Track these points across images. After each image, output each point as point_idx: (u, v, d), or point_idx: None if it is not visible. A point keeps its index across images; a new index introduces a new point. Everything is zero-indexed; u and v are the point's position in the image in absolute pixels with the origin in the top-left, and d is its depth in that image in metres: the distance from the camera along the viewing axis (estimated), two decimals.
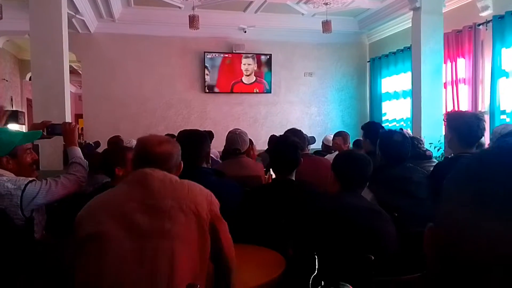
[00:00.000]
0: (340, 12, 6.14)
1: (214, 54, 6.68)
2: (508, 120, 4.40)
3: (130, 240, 1.28)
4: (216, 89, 6.77)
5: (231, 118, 6.65)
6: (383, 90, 6.75)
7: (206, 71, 6.67)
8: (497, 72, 4.44)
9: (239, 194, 2.16)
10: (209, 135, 2.49)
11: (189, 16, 5.36)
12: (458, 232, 0.49)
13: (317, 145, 5.10)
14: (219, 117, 6.70)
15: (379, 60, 6.79)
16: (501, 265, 0.44)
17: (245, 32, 6.51)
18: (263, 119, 6.96)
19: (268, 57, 6.84)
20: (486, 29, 4.65)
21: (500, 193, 0.46)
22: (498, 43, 4.43)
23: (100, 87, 6.28)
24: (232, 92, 6.80)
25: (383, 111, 6.75)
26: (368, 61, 7.22)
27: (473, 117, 2.25)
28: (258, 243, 1.93)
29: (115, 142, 4.27)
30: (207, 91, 6.74)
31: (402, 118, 6.22)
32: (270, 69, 6.87)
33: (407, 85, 5.89)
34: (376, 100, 6.94)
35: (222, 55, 6.71)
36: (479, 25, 4.74)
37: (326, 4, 5.67)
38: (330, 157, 3.98)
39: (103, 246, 1.27)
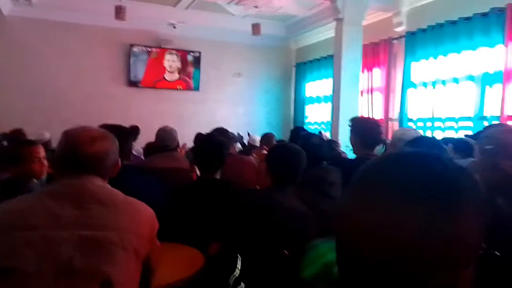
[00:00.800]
0: (270, 16, 6.30)
1: (141, 47, 6.46)
2: (414, 126, 4.86)
3: (54, 279, 1.00)
4: (140, 84, 6.55)
5: (157, 115, 6.46)
6: (307, 94, 7.06)
7: (132, 65, 6.42)
8: (406, 83, 4.90)
9: (160, 192, 2.13)
10: (133, 131, 2.43)
11: (115, 6, 5.13)
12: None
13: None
14: (144, 113, 6.47)
15: (305, 65, 7.10)
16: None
17: (175, 27, 6.39)
18: (190, 117, 6.88)
19: (197, 54, 6.79)
20: (399, 43, 5.09)
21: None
22: (409, 57, 4.88)
23: (12, 75, 5.73)
24: (154, 87, 6.63)
25: (306, 114, 7.07)
26: (294, 66, 7.51)
27: (374, 123, 2.57)
28: (180, 241, 1.91)
29: (15, 136, 3.88)
30: (132, 85, 6.50)
31: (323, 121, 6.55)
32: (199, 67, 6.82)
33: (329, 91, 6.22)
34: (300, 104, 7.23)
35: (149, 49, 6.51)
36: (393, 39, 5.17)
37: (256, 7, 5.78)
38: (254, 156, 4.09)
39: (15, 285, 0.99)
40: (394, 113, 5.20)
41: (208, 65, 6.90)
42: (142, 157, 3.59)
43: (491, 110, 3.98)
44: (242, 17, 6.28)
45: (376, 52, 5.37)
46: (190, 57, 6.78)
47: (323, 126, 6.51)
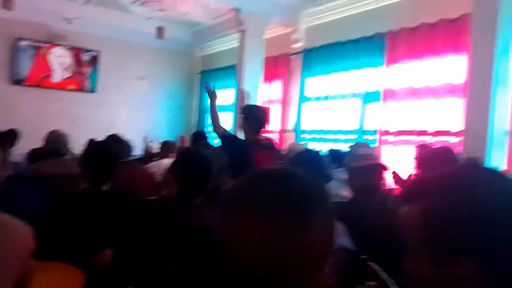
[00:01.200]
0: (176, 21, 6.22)
1: (30, 42, 5.88)
2: (308, 137, 5.19)
3: None
4: (25, 83, 5.94)
5: (45, 117, 5.90)
6: None
7: (16, 61, 5.80)
8: (301, 97, 5.23)
9: (45, 202, 1.95)
10: (8, 136, 2.19)
11: None
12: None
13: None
14: (30, 114, 5.87)
15: (209, 73, 7.13)
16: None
17: (70, 23, 5.94)
18: (85, 121, 6.42)
19: (96, 53, 6.40)
20: (297, 58, 5.42)
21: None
22: (305, 72, 5.22)
23: None
24: (39, 86, 6.08)
25: (208, 123, 7.10)
26: (199, 73, 7.51)
27: (263, 111, 3.04)
28: (63, 257, 1.77)
29: None
30: (16, 83, 5.86)
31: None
32: (97, 67, 6.43)
33: (232, 100, 6.35)
34: (203, 112, 7.24)
35: (39, 44, 5.95)
36: (292, 54, 5.49)
37: (162, 10, 5.67)
38: (152, 165, 3.97)
39: None
40: (290, 124, 5.50)
41: (108, 66, 6.55)
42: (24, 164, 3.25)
43: (371, 125, 4.46)
44: (146, 18, 6.10)
45: (276, 66, 5.64)
46: (86, 56, 6.35)
47: None
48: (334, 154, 3.20)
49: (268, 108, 3.84)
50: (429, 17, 3.87)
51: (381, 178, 2.03)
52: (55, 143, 2.78)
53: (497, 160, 3.05)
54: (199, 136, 3.90)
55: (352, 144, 2.49)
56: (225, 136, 3.04)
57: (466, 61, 3.30)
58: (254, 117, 2.94)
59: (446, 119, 3.75)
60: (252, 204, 0.57)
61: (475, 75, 3.12)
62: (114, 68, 6.65)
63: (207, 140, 4.24)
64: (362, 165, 1.95)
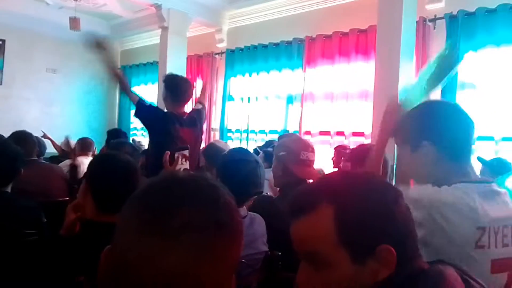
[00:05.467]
0: (92, 13, 5.89)
1: None
2: (233, 136, 5.25)
3: None
4: None
5: None
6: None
7: None
8: (225, 96, 5.27)
9: None
10: None
11: None
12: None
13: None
14: None
15: (130, 69, 6.87)
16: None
17: None
18: None
19: (0, 42, 5.81)
20: (221, 58, 5.45)
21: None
22: (228, 72, 5.27)
23: None
24: None
25: (131, 120, 6.83)
26: (119, 68, 7.16)
27: (184, 80, 2.85)
28: None
29: None
30: None
31: (143, 128, 6.43)
32: (2, 57, 5.85)
33: (155, 96, 6.18)
34: (125, 108, 6.96)
35: None
36: (215, 54, 5.50)
37: (76, 0, 5.33)
38: (67, 163, 3.73)
39: None
40: (217, 123, 5.51)
41: (14, 57, 5.98)
42: None
43: (293, 125, 4.65)
44: (58, 8, 5.68)
45: (200, 64, 5.61)
46: None
47: (142, 132, 6.40)
48: (267, 155, 3.14)
49: (191, 80, 3.57)
50: (343, 26, 4.14)
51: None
52: None
53: None
54: (115, 136, 3.64)
55: (293, 138, 2.27)
56: (142, 105, 2.71)
57: (374, 68, 3.57)
58: (175, 87, 2.74)
59: (360, 121, 4.04)
60: (187, 234, 0.52)
61: (380, 81, 3.40)
62: (22, 60, 6.09)
63: (125, 138, 4.03)
64: (306, 178, 1.84)
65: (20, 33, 5.98)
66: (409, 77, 3.40)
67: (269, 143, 3.60)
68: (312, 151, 1.94)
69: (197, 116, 2.93)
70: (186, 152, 1.87)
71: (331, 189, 0.70)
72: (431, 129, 1.05)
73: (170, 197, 0.53)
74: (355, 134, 4.11)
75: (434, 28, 3.66)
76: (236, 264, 0.57)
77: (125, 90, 2.86)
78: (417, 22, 3.49)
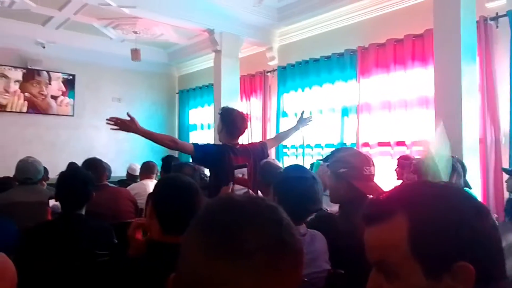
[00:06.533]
0: (150, 43, 6.26)
1: (3, 67, 5.81)
2: (288, 153, 5.25)
3: None
4: (6, 108, 5.87)
5: (22, 142, 5.82)
6: (191, 121, 7.12)
7: None
8: (279, 113, 5.30)
9: (14, 233, 1.92)
10: None
11: None
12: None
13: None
14: (5, 140, 5.77)
15: (188, 93, 7.17)
16: None
17: (44, 47, 5.91)
18: (63, 144, 6.34)
19: (71, 77, 6.36)
20: (273, 76, 5.51)
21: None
22: (281, 88, 5.31)
23: None
24: (27, 112, 6.02)
25: (190, 141, 7.09)
26: (177, 93, 7.53)
27: (241, 116, 2.88)
28: None
29: None
30: None
31: None
32: (73, 90, 6.39)
33: (211, 118, 6.37)
34: (184, 130, 7.24)
35: (14, 69, 5.89)
36: (267, 72, 5.58)
37: (135, 32, 5.70)
38: (134, 187, 3.94)
39: None
40: None
41: (83, 89, 6.50)
42: None
43: (350, 138, 4.54)
44: (120, 41, 6.11)
45: (253, 83, 5.72)
46: (62, 80, 6.31)
47: None
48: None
49: (246, 114, 3.63)
50: (396, 33, 4.02)
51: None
52: (25, 171, 2.71)
53: (472, 169, 3.01)
54: (168, 163, 3.79)
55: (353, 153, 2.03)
56: (197, 148, 2.77)
57: (433, 73, 3.41)
58: (231, 123, 2.81)
59: (421, 130, 3.85)
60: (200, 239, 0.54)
61: (440, 86, 3.23)
62: (90, 91, 6.60)
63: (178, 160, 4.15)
64: (372, 193, 1.74)
65: (88, 67, 6.50)
66: (472, 81, 3.21)
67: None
68: (373, 165, 1.85)
69: (251, 148, 2.96)
70: (245, 171, 1.88)
71: (407, 198, 0.68)
72: None
73: (234, 219, 0.54)
74: (417, 143, 3.93)
75: (497, 26, 3.43)
76: (300, 283, 0.57)
77: (170, 143, 2.90)
78: (477, 22, 3.30)
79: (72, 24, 5.47)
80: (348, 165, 1.82)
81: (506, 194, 3.04)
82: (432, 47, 3.37)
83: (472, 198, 0.69)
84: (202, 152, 2.76)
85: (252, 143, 3.20)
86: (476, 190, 3.19)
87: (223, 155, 2.73)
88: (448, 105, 3.16)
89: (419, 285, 0.63)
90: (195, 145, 2.82)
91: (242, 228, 0.53)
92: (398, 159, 3.48)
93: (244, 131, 2.92)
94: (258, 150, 2.96)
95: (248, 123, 3.55)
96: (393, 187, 0.75)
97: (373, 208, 0.71)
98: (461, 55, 3.09)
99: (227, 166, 2.66)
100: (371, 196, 1.78)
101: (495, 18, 3.42)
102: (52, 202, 2.20)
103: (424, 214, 0.64)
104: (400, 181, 3.17)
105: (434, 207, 0.64)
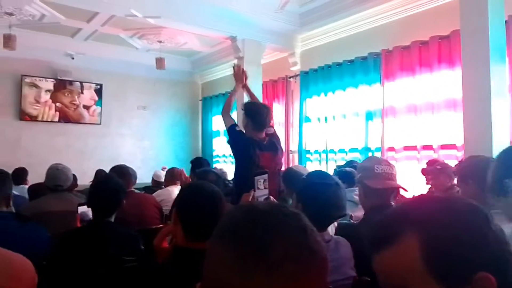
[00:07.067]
0: (174, 51, 6.37)
1: (36, 78, 6.05)
2: (312, 158, 5.21)
3: None
4: (34, 118, 6.10)
5: (52, 150, 6.01)
6: (214, 128, 7.18)
7: (23, 97, 5.97)
8: (302, 118, 5.28)
9: (47, 240, 1.98)
10: (22, 173, 2.22)
11: (4, 35, 4.78)
12: None
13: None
14: (36, 149, 5.98)
15: (211, 100, 7.25)
16: None
17: (73, 58, 6.12)
18: (91, 152, 6.53)
19: (98, 87, 6.55)
20: (295, 81, 5.50)
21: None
22: (303, 93, 5.29)
23: None
24: (50, 121, 6.22)
25: (214, 147, 7.15)
26: (201, 100, 7.62)
27: (265, 107, 2.90)
28: None
29: None
30: (23, 119, 6.01)
31: (231, 154, 6.69)
32: (101, 100, 6.57)
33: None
34: (207, 137, 7.32)
35: (45, 80, 6.12)
36: (290, 77, 5.57)
37: (160, 42, 5.82)
38: (160, 193, 3.99)
39: None
40: (295, 145, 5.53)
41: (110, 98, 6.68)
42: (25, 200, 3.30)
43: (374, 142, 4.47)
44: (145, 50, 6.26)
45: (276, 89, 5.73)
46: (91, 90, 6.51)
47: (230, 159, 6.64)
48: (342, 174, 3.10)
49: (270, 106, 3.66)
50: (421, 35, 3.94)
51: (396, 196, 1.89)
52: (55, 178, 2.76)
53: None
54: (198, 165, 3.81)
55: (367, 158, 2.16)
56: (233, 130, 2.86)
57: (461, 75, 3.32)
58: (256, 114, 2.79)
59: (449, 133, 3.76)
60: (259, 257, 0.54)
61: (469, 88, 3.14)
62: (116, 100, 6.78)
63: (207, 165, 4.17)
64: (384, 187, 1.78)
65: (114, 76, 6.68)
66: (502, 82, 3.10)
67: (349, 163, 3.51)
68: (388, 164, 1.86)
69: (277, 141, 2.97)
70: (266, 177, 1.88)
71: (413, 216, 0.65)
72: None
73: (261, 229, 0.55)
74: (444, 147, 3.83)
75: None
76: None
77: (226, 108, 3.04)
78: (506, 21, 3.20)
79: (100, 35, 5.64)
80: (361, 169, 1.92)
81: None
82: (459, 49, 3.29)
83: (478, 206, 0.66)
84: (236, 137, 2.84)
85: (268, 133, 3.08)
86: None
87: (250, 149, 2.73)
88: (477, 107, 3.07)
89: None
90: (232, 127, 2.89)
91: (270, 238, 0.54)
92: (427, 163, 3.37)
93: (270, 122, 2.91)
94: (277, 137, 3.04)
95: (273, 114, 3.58)
96: (395, 206, 0.73)
97: (379, 231, 0.68)
98: (489, 55, 2.99)
99: (253, 162, 2.67)
100: (390, 191, 1.81)
101: None
102: (80, 209, 2.25)
103: (434, 230, 0.62)
104: (429, 186, 3.10)
105: (443, 221, 0.62)
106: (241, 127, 2.94)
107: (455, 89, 3.58)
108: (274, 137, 3.05)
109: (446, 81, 3.78)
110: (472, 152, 3.00)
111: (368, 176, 1.82)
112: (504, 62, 3.13)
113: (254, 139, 2.80)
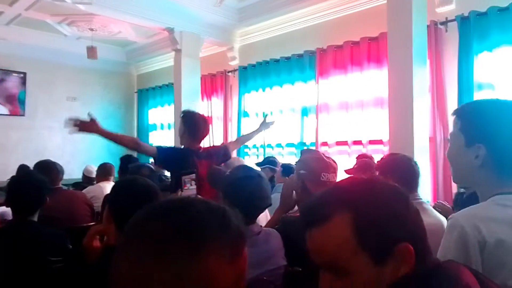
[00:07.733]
0: (107, 41, 6.08)
1: None
2: (250, 152, 5.28)
3: None
4: None
5: None
6: (150, 121, 6.98)
7: None
8: (240, 113, 5.32)
9: None
10: None
11: None
12: None
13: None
14: None
15: (147, 92, 7.02)
16: None
17: None
18: (14, 146, 6.03)
19: (22, 75, 6.05)
20: (234, 76, 5.52)
21: None
22: (242, 88, 5.32)
23: None
24: None
25: (150, 141, 6.94)
26: (136, 92, 7.36)
27: (203, 119, 2.90)
28: None
29: None
30: None
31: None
32: (24, 90, 6.08)
33: (172, 118, 6.28)
34: (143, 130, 7.08)
35: None
36: (229, 72, 5.58)
37: (92, 30, 5.52)
38: (90, 189, 3.81)
39: None
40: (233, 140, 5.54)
41: (35, 88, 6.21)
42: None
43: (309, 137, 4.63)
44: (75, 38, 5.89)
45: (214, 83, 5.70)
46: (13, 78, 5.99)
47: None
48: (285, 168, 3.18)
49: (208, 117, 3.65)
50: (353, 35, 4.15)
51: None
52: None
53: (423, 167, 3.18)
54: (127, 162, 3.69)
55: (313, 155, 2.06)
56: (163, 148, 2.79)
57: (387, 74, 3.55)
58: (193, 126, 2.78)
59: (377, 129, 4.00)
60: (141, 240, 0.55)
61: (394, 87, 3.37)
62: (43, 90, 6.31)
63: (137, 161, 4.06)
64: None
65: (40, 65, 6.21)
66: (423, 82, 3.36)
67: (267, 160, 3.70)
68: (334, 171, 1.88)
69: (214, 151, 2.96)
70: (193, 176, 1.90)
71: (345, 196, 0.72)
72: (491, 133, 1.00)
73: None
74: (372, 142, 4.07)
75: (446, 30, 3.63)
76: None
77: (133, 145, 2.81)
78: (428, 26, 3.46)
79: (24, 19, 5.20)
80: (307, 167, 1.89)
81: (454, 189, 3.21)
82: (387, 50, 3.51)
83: (399, 188, 0.76)
84: (165, 155, 2.73)
85: (214, 146, 3.20)
86: (426, 186, 3.37)
87: (187, 159, 2.71)
88: (401, 105, 3.30)
89: (368, 274, 0.68)
90: (159, 148, 2.77)
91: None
92: (356, 157, 3.56)
93: (206, 134, 2.92)
94: (221, 153, 2.97)
95: (210, 126, 3.52)
96: (327, 188, 0.78)
97: (312, 210, 0.74)
98: (412, 57, 3.23)
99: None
100: None
101: (445, 23, 3.61)
102: (0, 209, 2.08)
103: (364, 209, 0.70)
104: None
105: (372, 201, 0.70)
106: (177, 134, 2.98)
107: (383, 88, 3.81)
108: (214, 148, 3.07)
109: (375, 80, 4.01)
110: (397, 147, 3.24)
111: (312, 180, 1.82)
112: (425, 64, 3.39)
113: (189, 148, 2.80)
